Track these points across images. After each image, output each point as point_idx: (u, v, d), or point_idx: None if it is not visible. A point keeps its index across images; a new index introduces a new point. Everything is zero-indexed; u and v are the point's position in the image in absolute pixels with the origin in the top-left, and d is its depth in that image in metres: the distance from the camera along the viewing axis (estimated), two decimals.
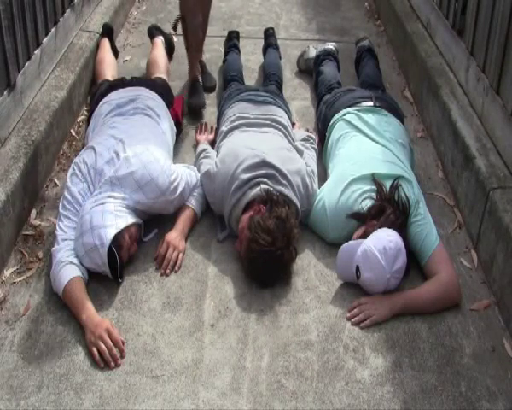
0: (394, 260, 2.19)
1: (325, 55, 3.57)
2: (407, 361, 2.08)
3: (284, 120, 2.86)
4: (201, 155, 2.76)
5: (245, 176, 2.44)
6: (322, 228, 2.52)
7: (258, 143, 2.60)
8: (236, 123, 2.77)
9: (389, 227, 2.25)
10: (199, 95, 3.36)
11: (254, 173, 2.44)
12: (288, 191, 2.44)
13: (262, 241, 2.21)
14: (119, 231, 2.24)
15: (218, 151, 2.71)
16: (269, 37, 3.91)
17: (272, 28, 3.98)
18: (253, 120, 2.78)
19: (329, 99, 3.05)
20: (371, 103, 2.89)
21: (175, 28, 3.27)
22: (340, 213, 2.43)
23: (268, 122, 2.78)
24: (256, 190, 2.39)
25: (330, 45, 3.69)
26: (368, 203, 2.38)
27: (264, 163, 2.47)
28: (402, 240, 2.22)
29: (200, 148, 2.85)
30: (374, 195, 2.40)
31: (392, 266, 2.19)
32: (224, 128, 2.81)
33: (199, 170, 2.66)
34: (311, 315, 2.24)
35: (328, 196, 2.48)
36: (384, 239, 2.20)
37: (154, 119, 2.79)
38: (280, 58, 3.72)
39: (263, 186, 2.40)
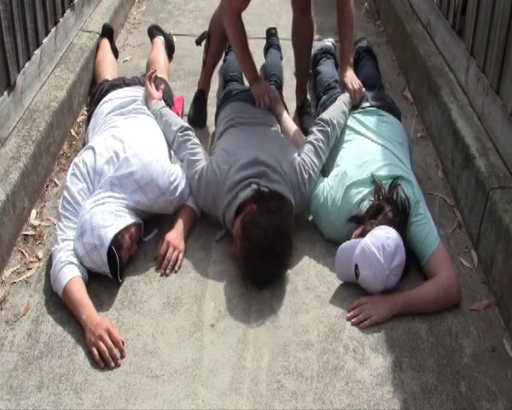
0: (393, 257, 2.18)
1: (322, 54, 3.58)
2: (407, 361, 2.08)
3: None
4: (189, 148, 2.62)
5: (237, 177, 2.43)
6: (323, 226, 2.52)
7: (252, 141, 2.59)
8: (232, 122, 2.77)
9: (388, 225, 2.25)
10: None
11: (246, 173, 2.43)
12: (279, 187, 2.42)
13: (254, 236, 2.20)
14: (119, 231, 2.24)
15: (213, 151, 2.70)
16: (271, 37, 3.91)
17: (275, 28, 3.97)
18: (250, 119, 2.78)
19: (326, 101, 3.04)
20: (367, 104, 2.89)
21: (199, 43, 3.28)
22: (341, 217, 2.43)
23: (264, 121, 2.78)
24: (247, 192, 2.38)
25: (327, 42, 3.68)
26: (367, 205, 2.38)
27: (255, 162, 2.47)
28: (401, 237, 2.22)
29: (163, 110, 2.79)
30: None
31: (390, 263, 2.18)
32: (220, 128, 2.81)
33: (189, 165, 2.56)
34: (311, 315, 2.24)
35: (329, 198, 2.47)
36: (382, 236, 2.19)
37: (154, 119, 2.79)
38: (281, 59, 3.71)
39: (253, 186, 2.39)
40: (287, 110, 2.97)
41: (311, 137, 2.64)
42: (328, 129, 2.65)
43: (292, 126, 2.85)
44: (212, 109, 3.35)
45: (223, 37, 3.23)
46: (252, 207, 2.31)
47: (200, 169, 2.51)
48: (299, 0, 3.10)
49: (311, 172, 2.52)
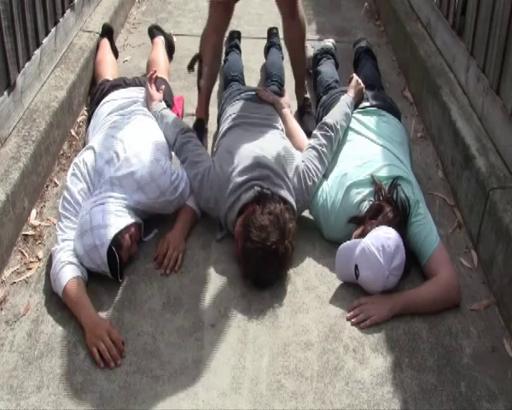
0: (393, 258, 2.18)
1: (322, 54, 3.58)
2: (407, 361, 2.08)
3: None
4: (191, 150, 2.62)
5: (239, 179, 2.43)
6: (323, 226, 2.52)
7: (256, 143, 2.59)
8: (236, 121, 2.77)
9: (388, 225, 2.25)
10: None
11: (248, 176, 2.43)
12: (282, 191, 2.43)
13: (255, 237, 2.20)
14: (119, 231, 2.24)
15: (216, 151, 2.71)
16: (272, 36, 3.91)
17: (276, 28, 3.97)
18: (253, 119, 2.78)
19: (326, 101, 3.04)
20: (367, 103, 2.89)
21: (191, 68, 3.23)
22: (341, 217, 2.43)
23: (267, 122, 2.78)
24: (250, 194, 2.38)
25: (328, 42, 3.68)
26: (367, 206, 2.38)
27: (258, 164, 2.47)
28: (401, 237, 2.22)
29: (164, 112, 2.79)
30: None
31: (390, 263, 2.18)
32: (224, 127, 2.80)
33: (192, 166, 2.56)
34: (311, 315, 2.24)
35: (329, 199, 2.47)
36: (382, 237, 2.20)
37: (155, 120, 2.79)
38: (282, 58, 3.72)
39: (256, 188, 2.39)
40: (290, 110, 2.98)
41: (314, 142, 2.65)
42: (332, 134, 2.66)
43: (296, 128, 2.85)
44: (213, 109, 3.35)
45: (216, 56, 3.07)
46: (254, 207, 2.31)
47: (203, 170, 2.51)
48: (285, 8, 3.03)
49: (315, 178, 2.53)
